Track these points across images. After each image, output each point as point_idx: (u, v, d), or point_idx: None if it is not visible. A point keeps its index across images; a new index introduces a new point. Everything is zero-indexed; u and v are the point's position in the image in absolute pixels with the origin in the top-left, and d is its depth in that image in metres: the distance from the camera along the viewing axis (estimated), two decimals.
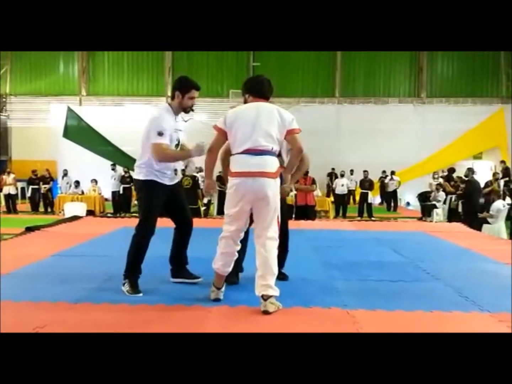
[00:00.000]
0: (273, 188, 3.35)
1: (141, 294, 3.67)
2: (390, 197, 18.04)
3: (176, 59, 22.45)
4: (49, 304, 3.42)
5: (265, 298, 3.27)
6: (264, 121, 3.37)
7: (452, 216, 12.04)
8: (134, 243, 3.78)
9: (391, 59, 21.89)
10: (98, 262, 4.87)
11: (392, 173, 18.01)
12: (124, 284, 3.74)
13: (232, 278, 3.87)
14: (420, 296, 3.80)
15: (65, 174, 16.80)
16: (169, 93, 22.50)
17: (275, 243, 3.40)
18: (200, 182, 11.87)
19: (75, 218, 8.66)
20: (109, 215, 13.94)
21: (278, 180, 3.43)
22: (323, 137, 20.17)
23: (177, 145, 3.83)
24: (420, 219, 14.39)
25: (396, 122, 20.28)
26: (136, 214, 12.29)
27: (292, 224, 5.31)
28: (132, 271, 3.75)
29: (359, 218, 14.35)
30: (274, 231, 3.40)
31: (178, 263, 4.04)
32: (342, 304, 3.50)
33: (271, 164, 3.36)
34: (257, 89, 3.58)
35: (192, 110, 3.86)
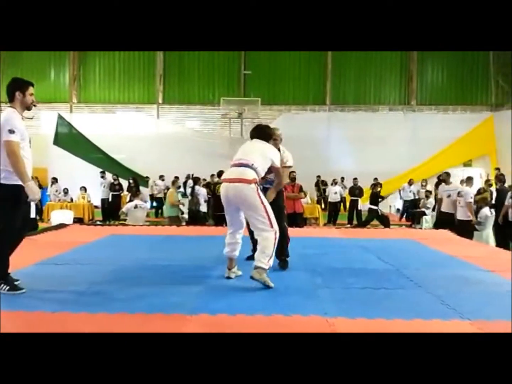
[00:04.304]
0: (250, 189, 4.14)
1: (24, 290, 3.81)
2: (406, 207, 16.52)
3: (167, 67, 22.45)
4: (25, 313, 3.36)
5: (255, 267, 4.09)
6: (253, 148, 4.43)
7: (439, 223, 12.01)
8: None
9: (381, 67, 22.03)
10: (80, 271, 4.83)
11: (410, 181, 17.03)
12: (3, 288, 3.75)
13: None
14: (402, 304, 3.79)
15: (54, 181, 16.53)
16: (161, 100, 22.51)
17: (267, 233, 4.15)
18: None
19: (61, 226, 8.59)
20: (98, 222, 13.86)
21: (255, 185, 4.16)
22: (314, 145, 20.27)
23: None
24: (409, 226, 14.44)
25: (387, 130, 20.38)
26: (124, 222, 12.22)
27: None
28: (4, 271, 3.77)
29: (349, 226, 14.34)
30: (264, 224, 4.15)
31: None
32: (322, 312, 3.47)
33: (248, 173, 4.21)
34: (256, 135, 4.63)
35: (35, 106, 4.08)
